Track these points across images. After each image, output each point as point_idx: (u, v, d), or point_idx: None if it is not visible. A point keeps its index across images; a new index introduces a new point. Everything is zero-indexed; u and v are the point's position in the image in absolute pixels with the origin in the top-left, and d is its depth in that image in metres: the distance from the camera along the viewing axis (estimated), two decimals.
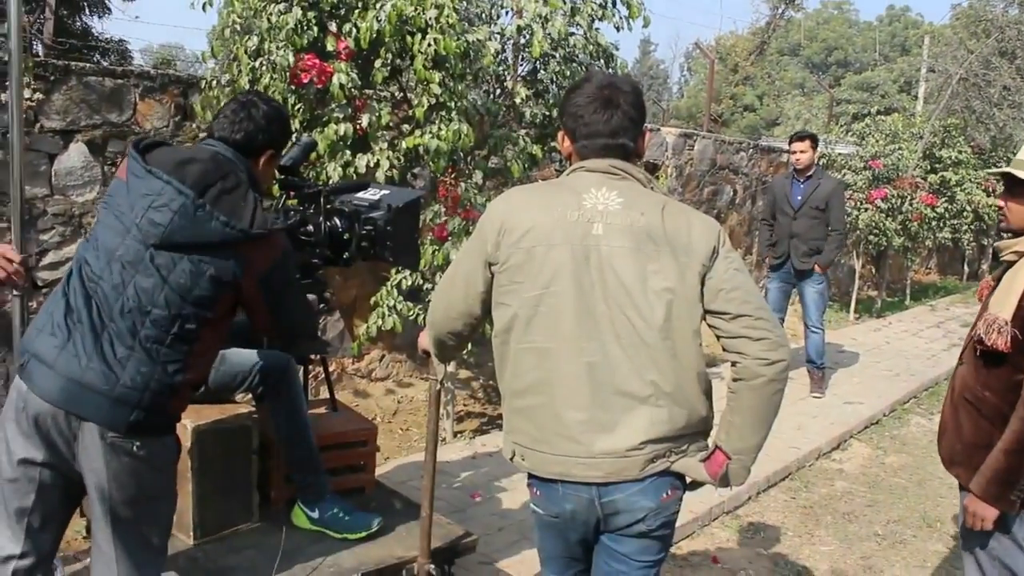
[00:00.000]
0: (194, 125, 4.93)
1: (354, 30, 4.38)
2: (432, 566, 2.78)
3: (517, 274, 1.97)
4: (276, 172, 2.72)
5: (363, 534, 2.93)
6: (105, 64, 11.77)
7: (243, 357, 2.94)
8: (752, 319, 1.91)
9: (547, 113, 5.16)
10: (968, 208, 11.05)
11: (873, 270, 11.17)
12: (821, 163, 9.76)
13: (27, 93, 4.16)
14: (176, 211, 2.06)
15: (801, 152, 6.31)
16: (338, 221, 3.14)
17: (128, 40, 12.24)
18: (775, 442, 5.14)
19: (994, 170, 2.56)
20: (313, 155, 4.37)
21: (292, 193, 3.13)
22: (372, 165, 4.48)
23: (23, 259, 2.53)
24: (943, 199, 10.51)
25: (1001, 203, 2.47)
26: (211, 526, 2.87)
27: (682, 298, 1.91)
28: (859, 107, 11.03)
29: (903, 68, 23.77)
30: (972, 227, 11.62)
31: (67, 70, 4.43)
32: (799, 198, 6.33)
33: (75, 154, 4.45)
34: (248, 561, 2.75)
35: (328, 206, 3.15)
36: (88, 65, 4.55)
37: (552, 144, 5.32)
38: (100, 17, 11.76)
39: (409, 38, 4.35)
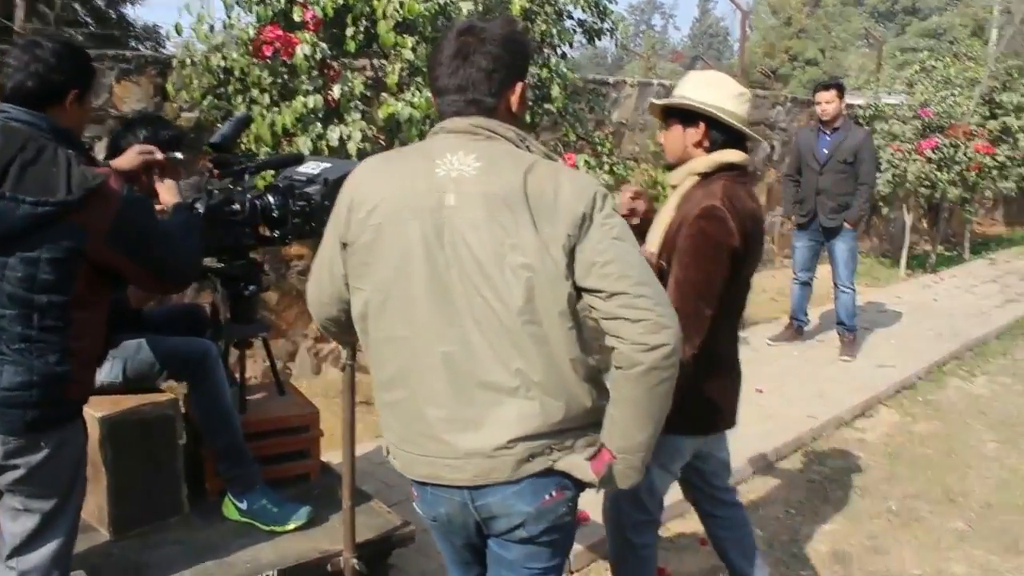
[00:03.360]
0: (175, 106, 4.83)
1: None
2: (356, 561, 2.61)
3: (367, 254, 1.75)
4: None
5: (292, 526, 2.80)
6: (142, 50, 11.88)
7: (160, 344, 2.80)
8: (630, 296, 1.64)
9: (538, 74, 4.91)
10: None
11: (927, 224, 10.56)
12: (869, 113, 9.26)
13: None
14: None
15: (827, 103, 5.91)
16: (271, 198, 2.99)
17: (161, 26, 12.21)
18: (790, 412, 4.85)
19: (658, 101, 2.49)
20: (280, 131, 4.23)
21: (219, 172, 2.98)
22: (345, 137, 4.30)
23: None
24: (1004, 146, 9.83)
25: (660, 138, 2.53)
26: (131, 520, 2.77)
27: (543, 276, 1.65)
28: (928, 55, 10.34)
29: (975, 11, 22.48)
30: None
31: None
32: (825, 151, 5.93)
33: None
34: (164, 558, 2.63)
35: (263, 182, 2.98)
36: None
37: (546, 107, 5.08)
38: (133, 4, 11.81)
39: (376, 2, 4.15)
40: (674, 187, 2.45)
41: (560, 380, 1.71)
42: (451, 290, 1.69)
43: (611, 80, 7.29)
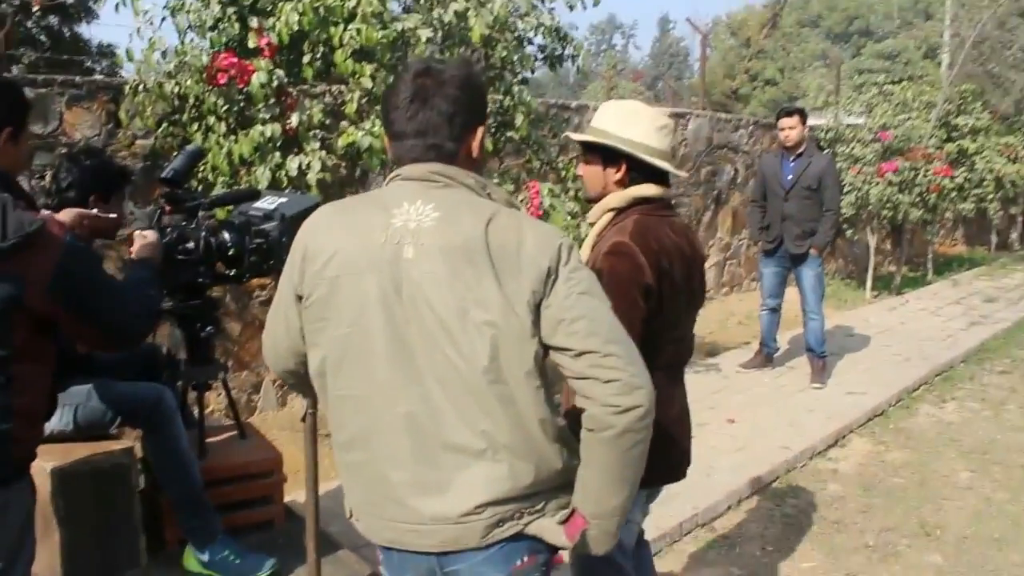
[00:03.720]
0: (129, 133, 4.67)
1: (276, 24, 4.08)
2: None
3: (324, 309, 1.63)
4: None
5: None
6: (97, 71, 11.65)
7: (111, 390, 2.66)
8: (599, 356, 1.54)
9: (500, 100, 4.83)
10: (989, 177, 10.48)
11: (890, 245, 10.65)
12: (830, 135, 9.33)
13: None
14: None
15: (790, 128, 5.90)
16: (227, 235, 2.87)
17: (116, 45, 12.00)
18: (763, 443, 4.78)
19: (576, 136, 2.39)
20: (238, 160, 4.11)
21: (171, 208, 2.85)
22: (304, 167, 4.18)
23: None
24: (962, 169, 9.97)
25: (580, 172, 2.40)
26: None
27: (508, 334, 1.54)
28: (882, 75, 10.51)
29: (926, 34, 22.95)
30: (998, 196, 11.06)
31: None
32: (790, 177, 5.91)
33: None
34: None
35: (215, 220, 2.86)
36: (5, 75, 4.30)
37: (509, 135, 5.00)
38: (88, 23, 11.60)
39: (332, 29, 4.05)
40: (591, 224, 2.35)
41: (529, 442, 1.60)
42: (412, 347, 1.57)
43: (573, 104, 7.24)
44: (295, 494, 3.24)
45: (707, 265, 8.62)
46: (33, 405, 2.00)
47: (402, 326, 1.57)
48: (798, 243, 5.88)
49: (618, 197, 2.26)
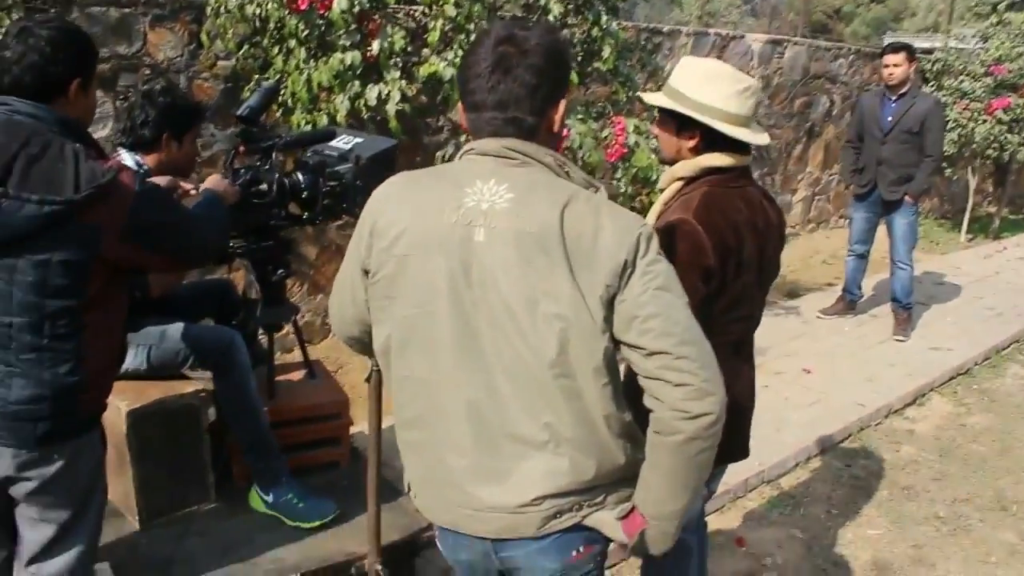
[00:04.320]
0: (211, 54, 4.65)
1: None
2: (380, 567, 2.52)
3: (390, 287, 1.59)
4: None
5: (317, 523, 2.73)
6: None
7: (184, 333, 2.70)
8: (672, 357, 1.47)
9: (587, 30, 4.64)
10: None
11: (991, 186, 10.10)
12: (937, 67, 8.79)
13: None
14: None
15: (895, 66, 5.52)
16: (300, 176, 2.85)
17: None
18: (838, 397, 4.66)
19: (649, 98, 2.20)
20: (316, 87, 4.05)
21: (245, 148, 2.82)
22: (384, 96, 4.10)
23: None
24: None
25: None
26: (158, 509, 2.73)
27: (578, 328, 1.48)
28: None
29: None
30: None
31: (68, 1, 4.19)
32: (889, 119, 5.57)
33: None
34: (188, 552, 2.58)
35: (293, 159, 2.83)
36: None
37: (596, 66, 4.82)
38: None
39: None
40: (660, 191, 2.22)
41: (592, 436, 1.57)
42: (478, 333, 1.53)
43: (665, 29, 6.94)
44: (363, 424, 3.26)
45: (795, 199, 8.37)
46: (104, 355, 2.05)
47: (470, 311, 1.53)
48: (892, 189, 5.59)
49: (687, 166, 2.12)
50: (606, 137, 4.54)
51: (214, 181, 2.49)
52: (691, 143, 2.11)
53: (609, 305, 1.49)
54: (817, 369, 5.03)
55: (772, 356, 5.07)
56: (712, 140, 2.09)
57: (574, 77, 4.52)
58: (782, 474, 3.99)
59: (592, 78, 5.16)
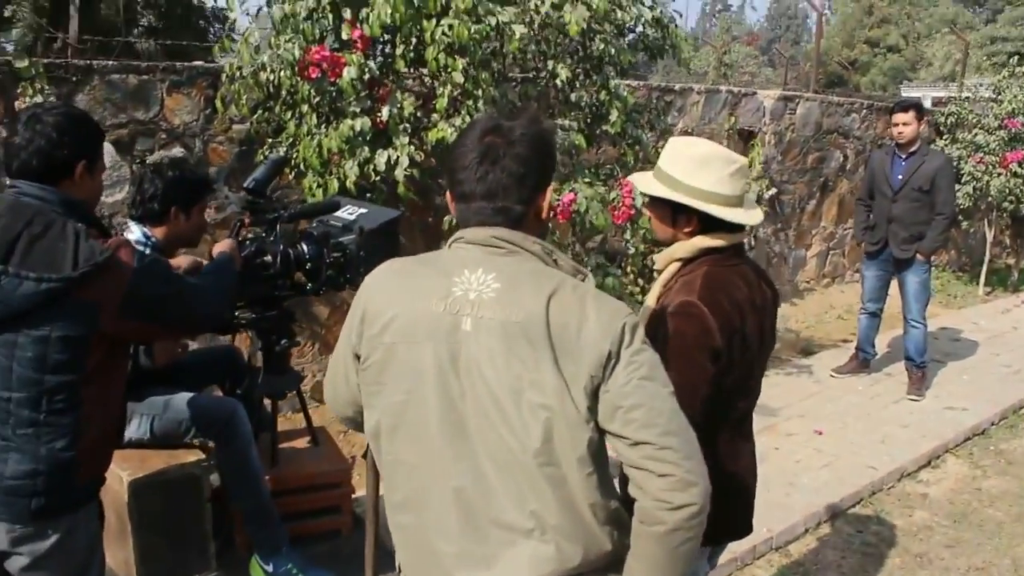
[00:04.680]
0: (226, 117, 4.76)
1: (370, 15, 4.05)
2: None
3: (380, 374, 1.62)
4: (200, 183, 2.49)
5: None
6: (211, 34, 11.91)
7: (188, 403, 2.74)
8: (655, 448, 1.49)
9: (595, 94, 4.71)
10: None
11: (1009, 238, 10.03)
12: (951, 120, 8.82)
13: (39, 99, 4.07)
14: None
15: (904, 124, 5.55)
16: (305, 247, 2.90)
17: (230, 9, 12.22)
18: (849, 460, 4.60)
19: (643, 188, 2.18)
20: (328, 153, 4.13)
21: (251, 219, 2.88)
22: (392, 162, 4.17)
23: None
24: None
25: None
26: None
27: (563, 418, 1.50)
28: (1018, 45, 9.66)
29: None
30: None
31: (89, 69, 4.32)
32: (900, 177, 5.59)
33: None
34: None
35: (297, 229, 2.89)
36: (110, 63, 4.43)
37: (604, 128, 4.88)
38: None
39: (425, 23, 4.00)
40: (659, 272, 2.22)
41: (578, 524, 1.57)
42: (465, 421, 1.55)
43: (677, 88, 7.01)
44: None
45: (809, 254, 8.36)
46: (102, 430, 2.08)
47: (457, 399, 1.55)
48: (904, 247, 5.58)
49: (685, 247, 2.14)
50: (613, 199, 4.57)
51: (228, 245, 2.54)
52: (688, 228, 2.13)
53: (593, 395, 1.51)
54: (829, 430, 4.98)
55: (784, 417, 5.04)
56: (709, 222, 2.11)
57: (582, 140, 4.58)
58: (791, 540, 3.94)
59: (601, 139, 5.22)
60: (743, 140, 7.49)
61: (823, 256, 8.56)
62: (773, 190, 7.56)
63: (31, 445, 1.93)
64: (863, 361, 6.07)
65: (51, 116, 2.01)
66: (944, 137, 8.91)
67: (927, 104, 11.13)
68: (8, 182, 2.04)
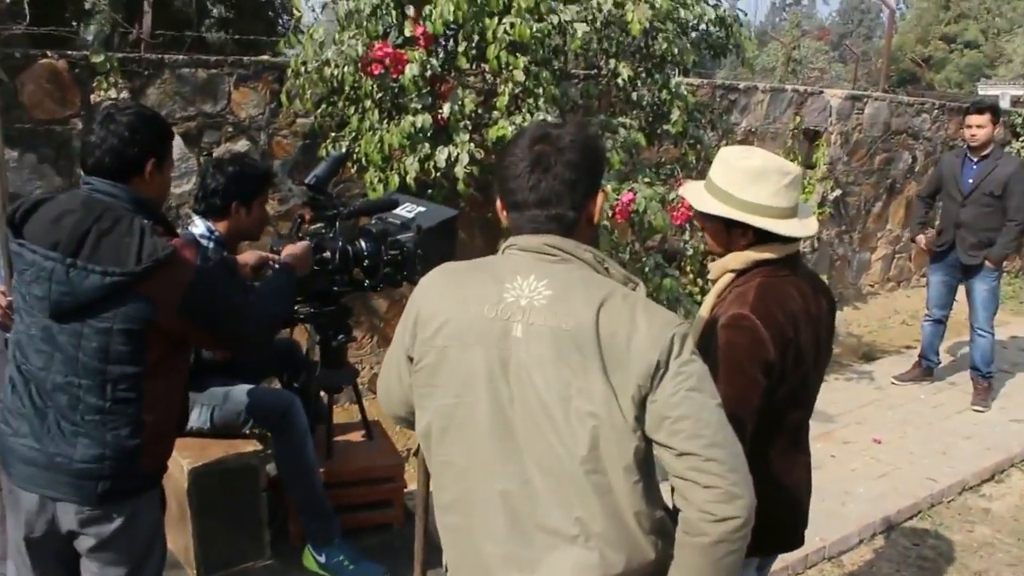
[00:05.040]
0: (291, 111, 4.84)
1: (432, 12, 4.09)
2: None
3: (432, 376, 1.65)
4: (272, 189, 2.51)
5: None
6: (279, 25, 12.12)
7: (247, 395, 2.81)
8: (700, 459, 1.49)
9: (657, 93, 4.68)
10: None
11: None
12: None
13: (112, 93, 4.19)
14: (50, 279, 1.94)
15: (978, 127, 5.38)
16: (363, 244, 2.94)
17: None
18: (908, 471, 4.51)
19: (697, 206, 2.14)
20: (389, 149, 4.17)
21: (312, 216, 2.94)
22: (452, 159, 4.20)
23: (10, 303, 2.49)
24: None
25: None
26: (216, 564, 2.84)
27: (610, 427, 1.52)
28: None
29: None
30: None
31: (160, 64, 4.44)
32: (970, 181, 5.44)
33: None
34: None
35: (357, 226, 2.93)
36: (180, 57, 4.54)
37: (665, 128, 4.84)
38: None
39: (488, 20, 4.02)
40: (713, 281, 2.21)
41: (623, 532, 1.58)
42: (513, 426, 1.58)
43: (741, 86, 6.92)
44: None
45: (874, 257, 8.18)
46: (163, 421, 2.15)
47: (506, 404, 1.57)
48: (972, 253, 5.43)
49: (740, 259, 2.11)
50: (673, 199, 4.54)
51: (301, 248, 2.63)
52: (743, 240, 2.11)
53: (641, 405, 1.52)
54: (888, 439, 4.89)
55: (842, 424, 4.95)
56: (764, 234, 2.09)
57: (642, 139, 4.55)
58: (844, 551, 3.88)
59: (662, 139, 5.18)
60: (808, 140, 7.36)
61: (888, 259, 8.37)
62: (838, 191, 7.42)
63: (98, 431, 2.02)
64: (926, 369, 5.93)
65: (124, 115, 2.10)
66: (1021, 139, 8.63)
67: (1005, 103, 10.80)
68: (83, 178, 2.14)
